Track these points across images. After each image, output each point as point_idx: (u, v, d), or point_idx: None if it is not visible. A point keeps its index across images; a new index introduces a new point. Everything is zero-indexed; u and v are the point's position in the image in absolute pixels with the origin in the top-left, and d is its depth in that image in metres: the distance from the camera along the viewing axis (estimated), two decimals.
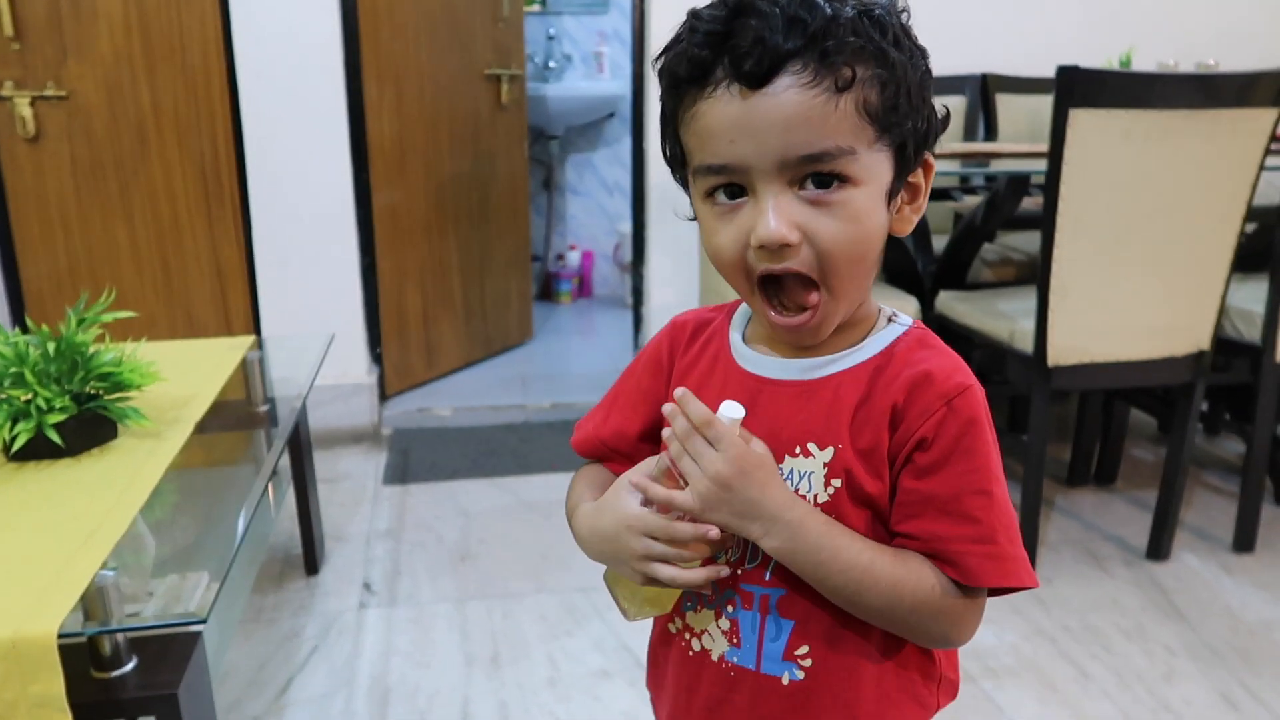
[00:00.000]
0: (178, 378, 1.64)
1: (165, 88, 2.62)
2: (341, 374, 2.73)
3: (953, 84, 2.87)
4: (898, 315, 0.70)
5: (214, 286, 2.79)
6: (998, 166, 2.25)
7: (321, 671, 1.67)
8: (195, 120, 2.66)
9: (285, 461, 1.98)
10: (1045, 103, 2.84)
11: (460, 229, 3.18)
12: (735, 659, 0.70)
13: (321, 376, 1.85)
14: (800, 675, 0.69)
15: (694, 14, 0.61)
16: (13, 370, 1.30)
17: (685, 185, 0.68)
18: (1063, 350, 1.88)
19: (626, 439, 0.78)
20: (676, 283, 2.93)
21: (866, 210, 0.62)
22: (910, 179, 0.66)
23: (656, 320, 2.97)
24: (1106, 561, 2.06)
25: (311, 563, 2.01)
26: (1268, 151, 1.82)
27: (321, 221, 2.71)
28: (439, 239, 3.10)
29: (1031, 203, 2.28)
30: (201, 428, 1.50)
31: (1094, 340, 1.89)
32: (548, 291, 4.42)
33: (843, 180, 0.60)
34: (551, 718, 1.55)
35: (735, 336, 0.73)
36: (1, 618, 0.93)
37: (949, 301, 2.20)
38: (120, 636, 1.03)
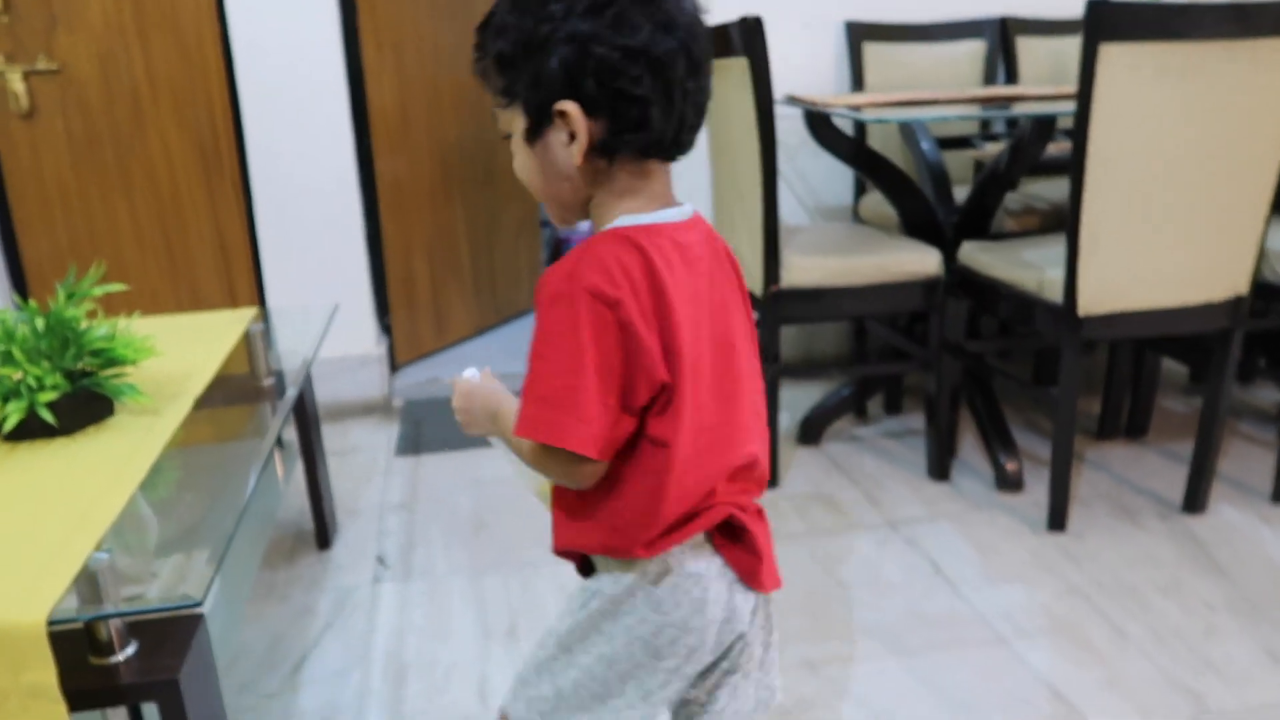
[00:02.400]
0: (178, 352, 1.59)
1: (159, 57, 2.56)
2: (350, 345, 2.68)
3: (970, 28, 2.77)
4: (617, 222, 0.78)
5: (217, 260, 2.73)
6: (1020, 109, 2.16)
7: (336, 648, 1.63)
8: (191, 90, 2.60)
9: (294, 435, 1.94)
10: (1069, 44, 2.76)
11: (466, 195, 3.12)
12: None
13: (330, 348, 1.80)
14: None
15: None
16: (1, 349, 1.25)
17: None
18: (1094, 299, 1.80)
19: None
20: None
21: (516, 148, 0.81)
22: (557, 129, 0.77)
23: None
24: (1140, 515, 2.00)
25: (323, 537, 1.97)
26: None
27: (324, 191, 2.65)
28: (445, 206, 3.03)
29: (1056, 148, 2.19)
30: (203, 403, 1.46)
31: (1126, 288, 1.81)
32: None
33: (509, 134, 0.81)
34: None
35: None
36: None
37: (972, 252, 2.12)
38: (118, 621, 0.98)
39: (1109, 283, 1.80)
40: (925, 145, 2.32)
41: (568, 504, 0.84)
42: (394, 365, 2.88)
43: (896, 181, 2.28)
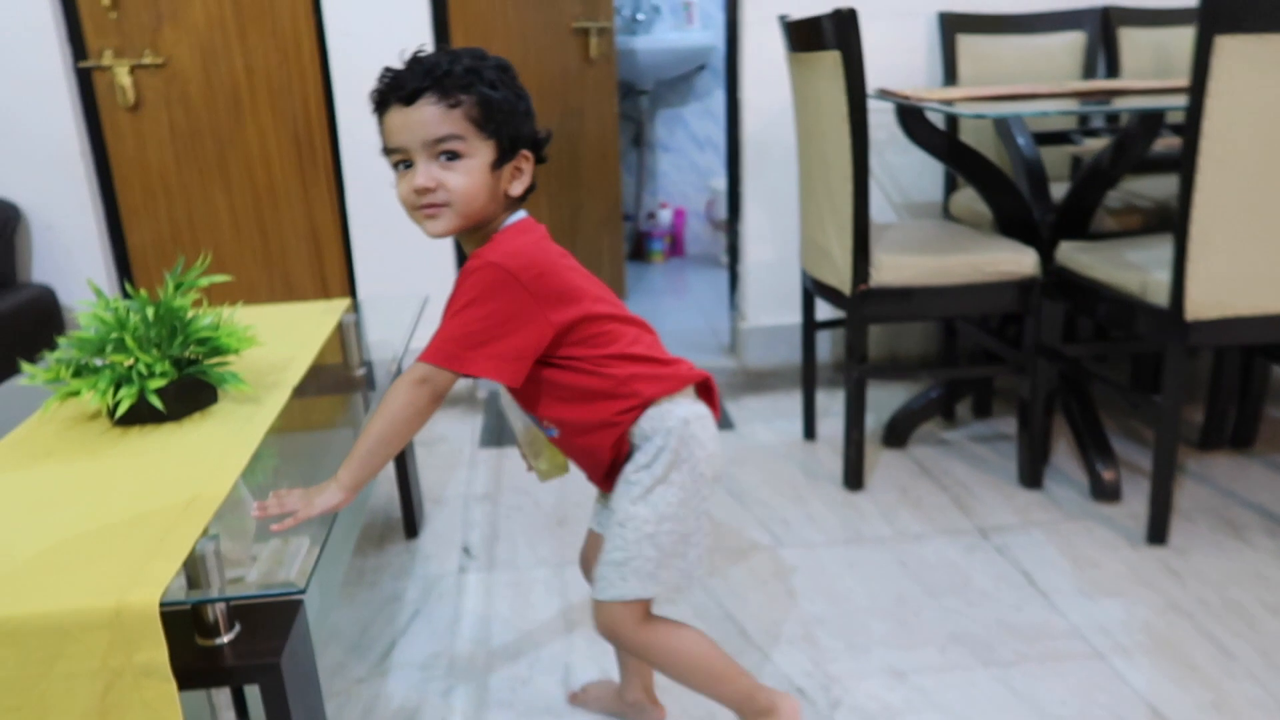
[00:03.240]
0: (275, 342, 1.63)
1: (257, 51, 2.63)
2: None
3: (1069, 19, 2.67)
4: (506, 223, 1.13)
5: (310, 250, 2.80)
6: (1122, 104, 2.08)
7: (424, 635, 1.66)
8: (287, 83, 2.66)
9: None
10: (1174, 35, 2.65)
11: (550, 188, 3.13)
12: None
13: (417, 339, 1.82)
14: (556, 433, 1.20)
15: (384, 69, 1.11)
16: (114, 336, 1.30)
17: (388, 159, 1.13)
18: (1202, 303, 1.73)
19: None
20: (774, 239, 2.83)
21: (475, 171, 1.08)
22: (514, 163, 1.12)
23: (753, 278, 2.88)
24: (1246, 531, 1.91)
25: (411, 526, 2.00)
26: None
27: None
28: (529, 200, 3.05)
29: (1163, 143, 2.10)
30: (299, 391, 1.49)
31: (1239, 292, 1.73)
32: (639, 251, 4.36)
33: (459, 155, 1.08)
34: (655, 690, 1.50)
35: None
36: (106, 586, 0.92)
37: (1071, 253, 2.05)
38: (223, 604, 1.01)
39: (1219, 286, 1.72)
40: (1021, 141, 2.25)
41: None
42: None
43: (991, 178, 2.22)
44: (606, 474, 1.19)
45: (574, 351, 1.12)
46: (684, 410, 1.15)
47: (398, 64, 1.11)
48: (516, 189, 1.12)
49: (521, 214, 1.15)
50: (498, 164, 1.09)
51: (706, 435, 1.16)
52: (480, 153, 1.08)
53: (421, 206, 1.09)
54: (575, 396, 1.13)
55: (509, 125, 1.09)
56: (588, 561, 1.37)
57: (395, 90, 1.08)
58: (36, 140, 2.58)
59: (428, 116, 1.05)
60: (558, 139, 3.10)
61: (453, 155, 1.07)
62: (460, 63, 1.07)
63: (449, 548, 1.96)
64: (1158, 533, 1.88)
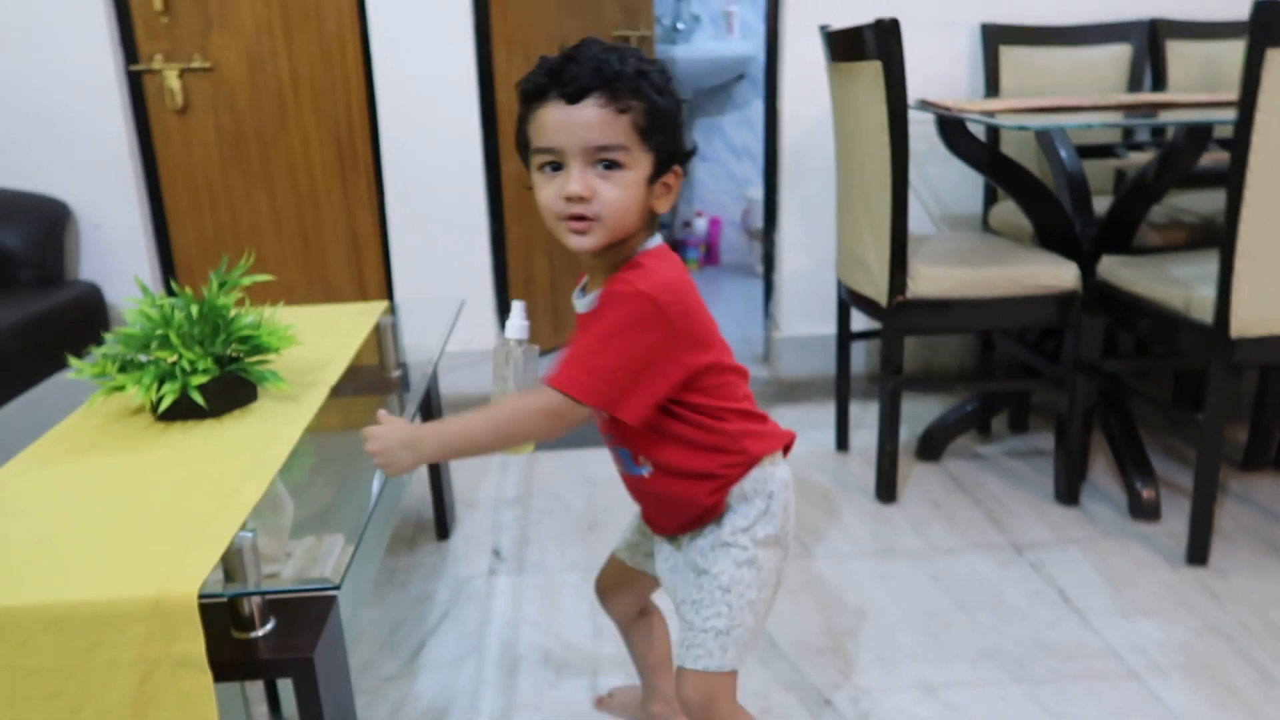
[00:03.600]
0: (314, 341, 1.65)
1: (302, 57, 2.67)
2: (470, 340, 2.74)
3: (1115, 31, 2.64)
4: (645, 246, 1.04)
5: (349, 253, 2.84)
6: (1168, 117, 2.06)
7: (453, 636, 1.67)
8: (331, 89, 2.70)
9: None
10: (1223, 49, 2.61)
11: None
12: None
13: (451, 343, 1.84)
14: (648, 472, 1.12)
15: (542, 58, 0.99)
16: (159, 332, 1.32)
17: (526, 162, 1.04)
18: (1249, 320, 1.70)
19: None
20: (810, 249, 2.82)
21: (632, 185, 0.99)
22: (664, 179, 1.02)
23: (788, 288, 2.87)
24: None
25: (442, 527, 2.02)
26: None
27: (452, 189, 2.72)
28: None
29: (1210, 158, 2.07)
30: (336, 391, 1.51)
31: None
32: None
33: (619, 165, 0.98)
34: None
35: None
36: (145, 576, 0.94)
37: (1113, 267, 2.02)
38: (259, 598, 1.02)
39: (1265, 303, 1.69)
40: (1064, 154, 2.22)
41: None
42: None
43: (1032, 191, 2.19)
44: (685, 524, 1.13)
45: (695, 399, 1.05)
46: (784, 473, 1.12)
47: (551, 54, 1.00)
48: (663, 206, 1.04)
49: (658, 237, 1.07)
50: (653, 179, 1.01)
51: (793, 497, 1.14)
52: (640, 165, 0.99)
53: (569, 217, 0.99)
54: (684, 443, 1.07)
55: (670, 138, 1.00)
56: (608, 588, 1.34)
57: (558, 85, 0.97)
58: (87, 141, 2.64)
59: (593, 119, 0.96)
60: None
61: (612, 165, 0.97)
62: (628, 63, 0.97)
63: (479, 550, 1.97)
64: (1198, 553, 1.84)
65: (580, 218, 0.98)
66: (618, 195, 0.98)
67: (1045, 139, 2.29)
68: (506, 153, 2.78)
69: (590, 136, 0.96)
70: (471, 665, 1.59)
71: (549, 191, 0.99)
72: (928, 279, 2.02)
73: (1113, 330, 2.40)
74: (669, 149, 1.01)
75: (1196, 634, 1.63)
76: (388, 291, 2.84)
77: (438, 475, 1.98)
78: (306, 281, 2.84)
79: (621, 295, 0.98)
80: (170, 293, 1.43)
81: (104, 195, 2.69)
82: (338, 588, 0.98)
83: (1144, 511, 2.02)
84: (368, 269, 2.85)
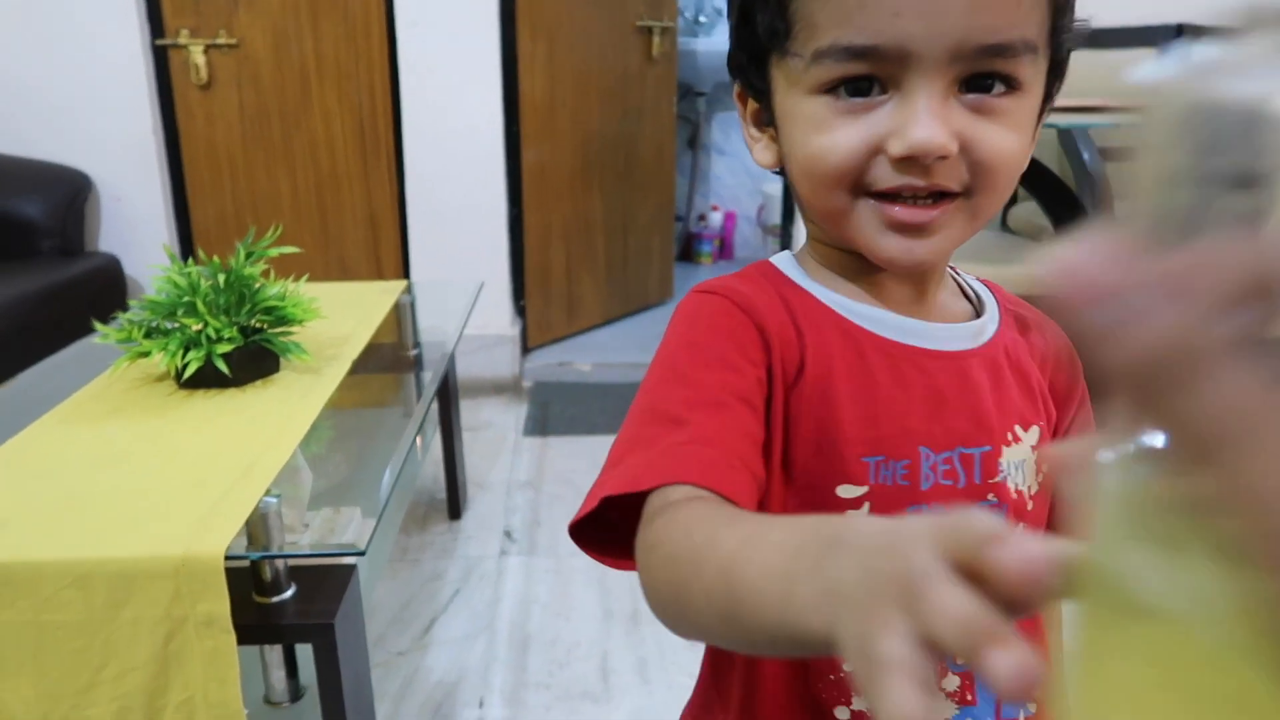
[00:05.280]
0: (334, 317, 1.66)
1: (327, 37, 2.68)
2: (485, 324, 2.75)
3: (1141, 35, 2.64)
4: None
5: (367, 233, 2.85)
6: None
7: (463, 614, 1.68)
8: (354, 70, 2.71)
9: (433, 406, 2.00)
10: None
11: (605, 185, 3.15)
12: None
13: (467, 326, 1.86)
14: (1033, 709, 0.56)
15: None
16: (185, 300, 1.33)
17: (756, 79, 0.55)
18: None
19: (756, 446, 0.51)
20: None
21: (1026, 125, 0.50)
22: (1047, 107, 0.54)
23: None
24: None
25: (455, 508, 2.03)
26: None
27: (471, 173, 2.73)
28: (584, 195, 3.08)
29: None
30: (355, 367, 1.52)
31: None
32: (688, 252, 4.36)
33: (1011, 85, 0.48)
34: (690, 679, 1.51)
35: (848, 302, 0.56)
36: (172, 537, 0.95)
37: None
38: (280, 564, 1.04)
39: None
40: (1087, 155, 2.22)
41: None
42: (525, 347, 2.94)
43: (1055, 191, 2.19)
44: None
45: None
46: None
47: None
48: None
49: None
50: (1042, 109, 0.53)
51: None
52: (1038, 83, 0.51)
53: (897, 192, 0.49)
54: None
55: (1069, 25, 0.51)
56: None
57: None
58: (111, 114, 2.65)
59: None
60: (614, 136, 3.12)
61: (1006, 82, 0.48)
62: None
63: (491, 531, 1.98)
64: None
65: (933, 195, 0.49)
66: (1011, 146, 0.49)
67: (1068, 138, 2.29)
68: (527, 138, 2.79)
69: (975, 22, 0.46)
70: (482, 643, 1.60)
71: (848, 137, 0.49)
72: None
73: None
74: (1066, 51, 0.52)
75: None
76: (404, 273, 2.85)
77: (451, 456, 2.00)
78: (324, 261, 2.85)
79: (1064, 336, 0.60)
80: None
81: (126, 168, 2.70)
82: (363, 554, 0.99)
83: None
84: (385, 250, 2.86)
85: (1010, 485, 0.55)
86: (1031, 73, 0.49)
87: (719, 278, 0.59)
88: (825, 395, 0.52)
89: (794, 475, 0.53)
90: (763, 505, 0.52)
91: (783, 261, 0.60)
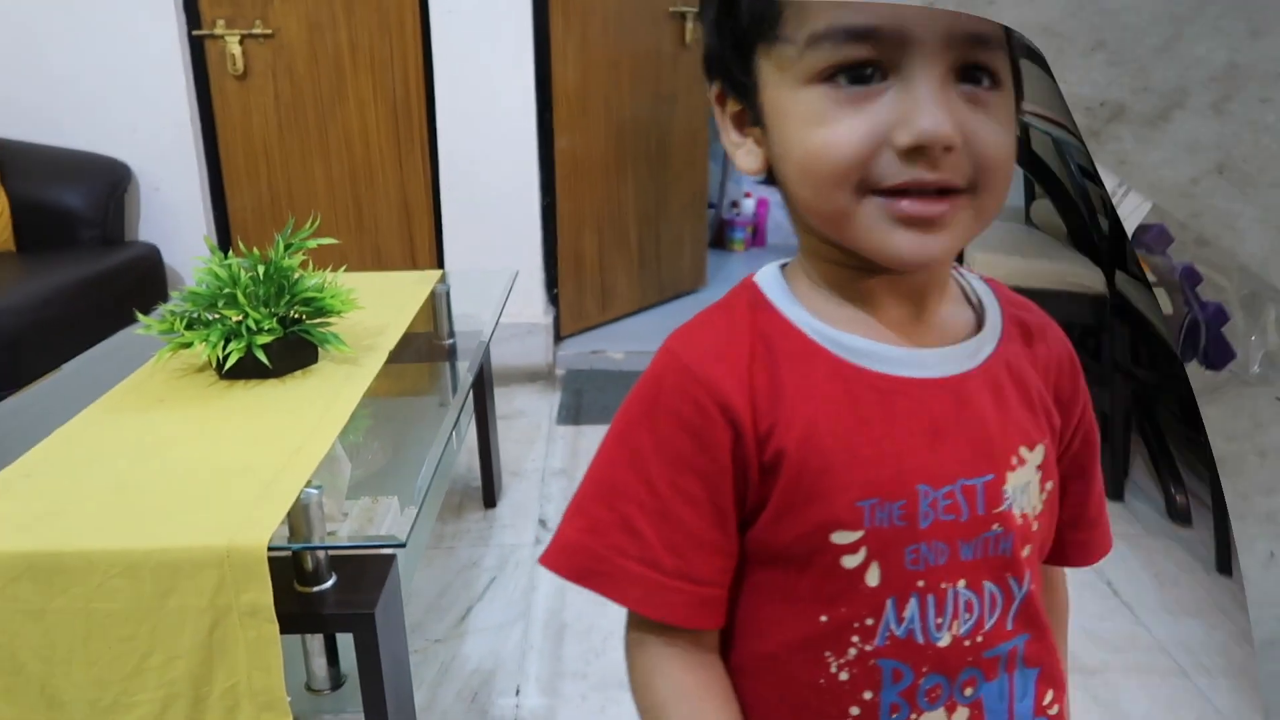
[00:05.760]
0: (371, 307, 1.67)
1: (361, 27, 2.69)
2: (518, 313, 2.76)
3: None
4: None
5: (401, 222, 2.86)
6: None
7: (499, 602, 1.69)
8: (388, 58, 2.72)
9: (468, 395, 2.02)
10: None
11: (638, 173, 3.14)
12: None
13: (506, 314, 1.87)
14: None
15: None
16: (226, 291, 1.35)
17: (740, 74, 0.52)
18: None
19: (711, 556, 0.54)
20: None
21: (1012, 123, 0.50)
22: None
23: None
24: None
25: (490, 496, 2.04)
26: None
27: (505, 162, 2.73)
28: (617, 182, 3.07)
29: None
30: (392, 357, 1.53)
31: None
32: (720, 239, 4.35)
33: (995, 81, 0.48)
34: None
35: (836, 334, 0.53)
36: (216, 527, 0.96)
37: (1125, 284, 1.99)
38: (321, 554, 1.05)
39: None
40: (1073, 166, 2.18)
41: None
42: (558, 335, 2.94)
43: (1061, 192, 2.16)
44: None
45: None
46: None
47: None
48: None
49: None
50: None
51: None
52: (1011, 87, 0.50)
53: (905, 188, 0.47)
54: None
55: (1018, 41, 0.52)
56: None
57: None
58: (149, 104, 2.68)
59: None
60: (647, 123, 3.11)
61: (990, 78, 0.48)
62: None
63: (526, 520, 1.99)
64: (1223, 564, 1.82)
65: (940, 191, 0.47)
66: (1008, 142, 0.49)
67: (1061, 147, 2.25)
68: (560, 126, 2.78)
69: (962, 5, 0.49)
70: (518, 631, 1.61)
71: (852, 129, 0.47)
72: (982, 264, 2.00)
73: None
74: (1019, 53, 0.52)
75: (1236, 640, 1.61)
76: (438, 262, 2.86)
77: (486, 445, 2.01)
78: (359, 249, 2.87)
79: (1065, 340, 0.60)
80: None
81: (164, 158, 2.73)
82: (404, 545, 1.00)
83: (1178, 516, 1.99)
84: (419, 239, 2.88)
85: (1015, 512, 0.54)
86: (1006, 71, 0.49)
87: (694, 329, 0.55)
88: (811, 446, 0.51)
89: (786, 525, 0.52)
90: (755, 557, 0.54)
91: (768, 282, 0.56)
